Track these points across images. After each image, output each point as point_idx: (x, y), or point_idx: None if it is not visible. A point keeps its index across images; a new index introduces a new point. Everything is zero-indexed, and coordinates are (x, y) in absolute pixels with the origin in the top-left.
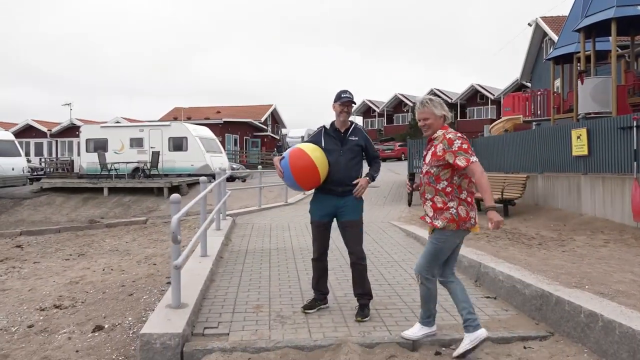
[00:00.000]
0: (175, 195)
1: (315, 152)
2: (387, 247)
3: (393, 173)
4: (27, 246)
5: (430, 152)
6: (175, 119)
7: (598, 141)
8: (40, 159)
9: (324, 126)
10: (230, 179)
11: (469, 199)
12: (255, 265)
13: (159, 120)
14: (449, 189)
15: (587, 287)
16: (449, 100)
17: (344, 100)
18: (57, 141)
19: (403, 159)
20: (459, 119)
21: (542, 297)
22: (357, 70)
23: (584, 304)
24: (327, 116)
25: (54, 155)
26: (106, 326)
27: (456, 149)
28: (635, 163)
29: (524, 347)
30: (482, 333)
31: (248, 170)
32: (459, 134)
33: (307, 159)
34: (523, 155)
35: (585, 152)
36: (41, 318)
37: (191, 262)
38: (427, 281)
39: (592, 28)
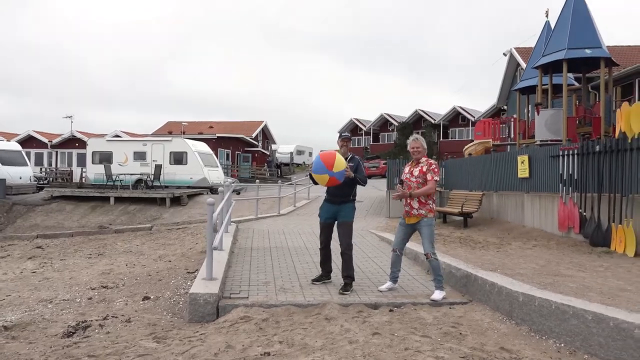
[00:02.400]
0: (210, 199)
1: (338, 157)
2: (363, 247)
3: (376, 189)
4: (46, 247)
5: (417, 169)
6: (170, 132)
7: (537, 166)
8: (41, 168)
9: None
10: None
11: (433, 200)
12: (260, 258)
13: (154, 135)
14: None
15: (498, 270)
16: (432, 121)
17: (343, 137)
18: (57, 152)
19: (387, 176)
20: (441, 139)
21: (467, 276)
22: (342, 85)
23: (489, 278)
24: (314, 130)
25: (53, 165)
26: (151, 297)
27: (432, 170)
28: (560, 185)
29: (449, 308)
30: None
31: (242, 184)
32: (433, 162)
33: (332, 152)
34: (482, 176)
35: (527, 175)
36: (96, 294)
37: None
38: (435, 256)
39: (548, 66)
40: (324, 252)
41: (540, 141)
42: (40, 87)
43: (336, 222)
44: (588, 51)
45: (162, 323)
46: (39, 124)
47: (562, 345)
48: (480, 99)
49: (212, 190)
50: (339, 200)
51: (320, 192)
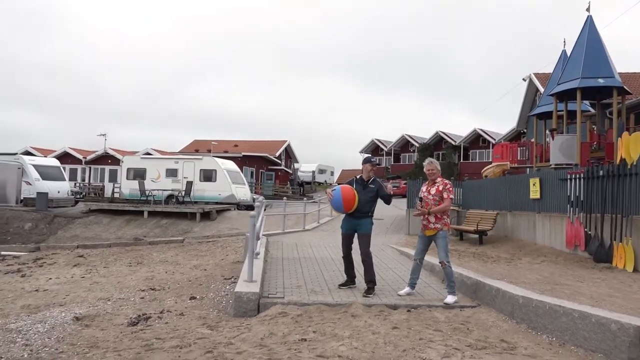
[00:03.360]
0: (252, 213)
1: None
2: (385, 260)
3: (397, 209)
4: (88, 256)
5: (434, 188)
6: (197, 150)
7: (547, 188)
8: (75, 183)
9: (355, 176)
10: (251, 207)
11: (448, 215)
12: (291, 266)
13: (182, 152)
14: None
15: (505, 280)
16: (453, 143)
17: (372, 162)
18: (90, 168)
19: (407, 196)
20: (462, 160)
21: (477, 284)
22: (362, 105)
23: (495, 284)
24: (335, 150)
25: (86, 180)
26: (197, 297)
27: (447, 189)
28: (568, 206)
29: (460, 310)
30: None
31: (268, 201)
32: (448, 182)
33: (352, 193)
34: (497, 197)
35: (538, 196)
36: (146, 295)
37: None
38: (449, 264)
39: (563, 94)
40: (347, 260)
41: (555, 165)
42: (65, 105)
43: (356, 234)
44: (601, 80)
45: (211, 317)
46: (62, 141)
47: (554, 339)
48: (501, 121)
49: (239, 206)
50: (359, 215)
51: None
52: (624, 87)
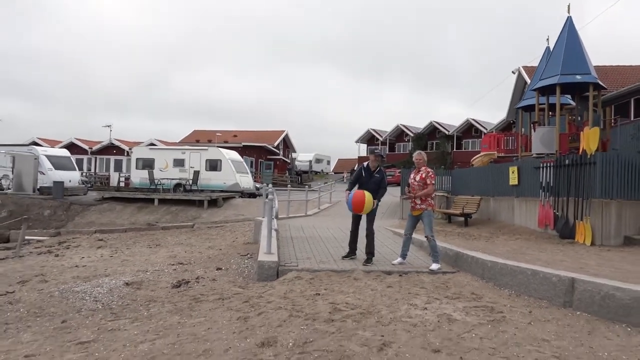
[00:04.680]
0: (270, 196)
1: (368, 197)
2: (380, 238)
3: (391, 196)
4: (107, 240)
5: (419, 176)
6: (198, 141)
7: (524, 175)
8: (82, 173)
9: (363, 164)
10: (254, 195)
11: (432, 198)
12: (299, 243)
13: (183, 142)
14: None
15: (480, 251)
16: (446, 133)
17: (376, 154)
18: (96, 158)
19: (401, 184)
20: (454, 149)
21: (457, 254)
22: (357, 95)
23: (471, 254)
24: (331, 139)
25: (92, 170)
26: (222, 268)
27: (430, 177)
28: (540, 191)
29: (442, 274)
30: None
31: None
32: (430, 170)
33: (362, 201)
34: (481, 184)
35: (516, 183)
36: (177, 267)
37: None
38: (434, 238)
39: (545, 88)
40: (353, 235)
41: (537, 154)
42: (58, 94)
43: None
44: (578, 77)
45: (238, 281)
46: (66, 131)
47: (513, 292)
48: (494, 111)
49: (243, 194)
50: None
51: (340, 197)
52: (599, 82)
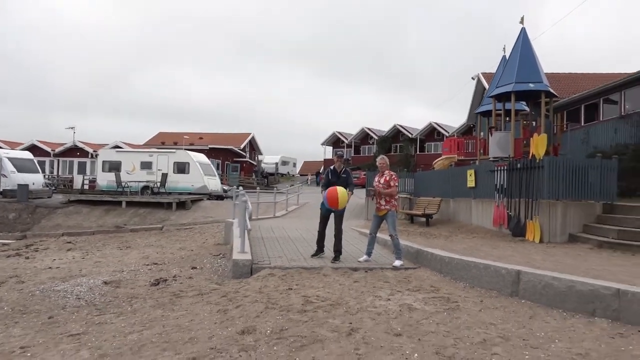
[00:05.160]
0: (243, 199)
1: (340, 190)
2: (347, 238)
3: (357, 197)
4: (76, 243)
5: (383, 178)
6: (163, 143)
7: (480, 178)
8: (44, 175)
9: (331, 167)
10: (221, 197)
11: (395, 199)
12: (270, 243)
13: (147, 144)
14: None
15: (439, 248)
16: (410, 136)
17: (339, 155)
18: (59, 160)
19: (366, 186)
20: (418, 152)
21: (418, 251)
22: (322, 97)
23: (430, 250)
24: (297, 141)
25: (55, 172)
26: (197, 267)
27: (393, 179)
28: (495, 192)
29: (404, 270)
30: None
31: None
32: (393, 173)
33: (335, 192)
34: (442, 185)
35: (474, 185)
36: (152, 267)
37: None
38: (397, 236)
39: (501, 95)
40: (321, 234)
41: (493, 157)
42: (12, 94)
43: (332, 214)
44: (531, 85)
45: (214, 278)
46: (20, 131)
47: (467, 284)
48: (456, 115)
49: (210, 196)
50: None
51: (307, 199)
52: (551, 90)
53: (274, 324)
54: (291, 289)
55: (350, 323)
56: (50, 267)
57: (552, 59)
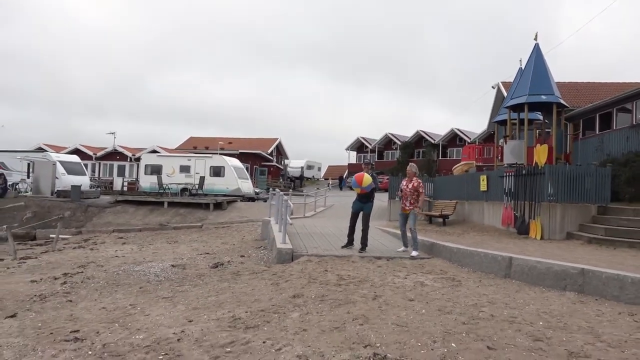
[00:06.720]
0: (285, 197)
1: (367, 176)
2: (371, 234)
3: (380, 201)
4: (127, 238)
5: (411, 184)
6: (195, 147)
7: (492, 183)
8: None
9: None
10: (253, 199)
11: (419, 201)
12: (305, 237)
13: (179, 148)
14: (415, 197)
15: (451, 242)
16: (432, 142)
17: (366, 163)
18: (100, 163)
19: (389, 190)
20: (440, 158)
21: (432, 244)
22: (343, 101)
23: (442, 243)
24: (322, 146)
25: (96, 175)
26: (245, 255)
27: (420, 186)
28: (504, 196)
29: (420, 259)
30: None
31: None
32: (420, 180)
33: (362, 176)
34: (458, 189)
35: (485, 189)
36: (206, 256)
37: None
38: (416, 231)
39: (515, 106)
40: (351, 228)
41: (508, 164)
42: (39, 98)
43: (361, 212)
44: (544, 97)
45: (261, 264)
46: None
47: (470, 269)
48: (478, 121)
49: (243, 198)
50: (364, 200)
51: (334, 202)
52: (562, 101)
53: (316, 292)
54: (327, 270)
55: (375, 292)
56: (116, 256)
57: (573, 62)
